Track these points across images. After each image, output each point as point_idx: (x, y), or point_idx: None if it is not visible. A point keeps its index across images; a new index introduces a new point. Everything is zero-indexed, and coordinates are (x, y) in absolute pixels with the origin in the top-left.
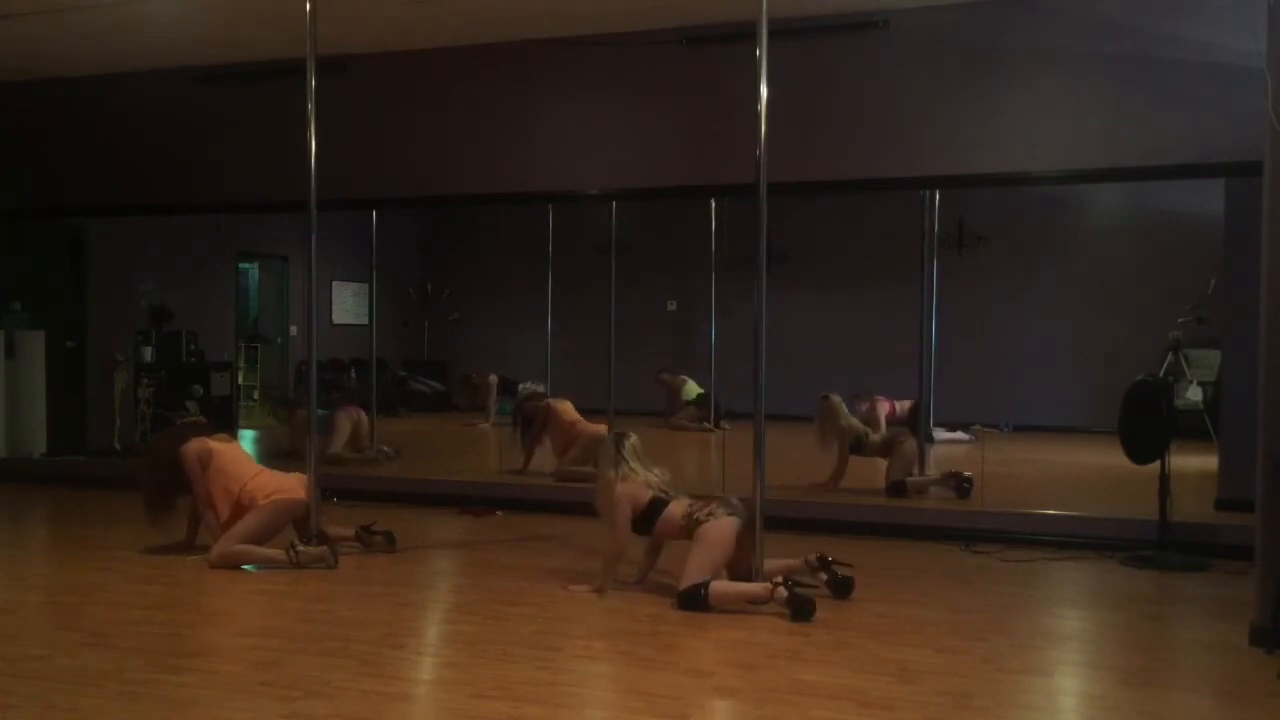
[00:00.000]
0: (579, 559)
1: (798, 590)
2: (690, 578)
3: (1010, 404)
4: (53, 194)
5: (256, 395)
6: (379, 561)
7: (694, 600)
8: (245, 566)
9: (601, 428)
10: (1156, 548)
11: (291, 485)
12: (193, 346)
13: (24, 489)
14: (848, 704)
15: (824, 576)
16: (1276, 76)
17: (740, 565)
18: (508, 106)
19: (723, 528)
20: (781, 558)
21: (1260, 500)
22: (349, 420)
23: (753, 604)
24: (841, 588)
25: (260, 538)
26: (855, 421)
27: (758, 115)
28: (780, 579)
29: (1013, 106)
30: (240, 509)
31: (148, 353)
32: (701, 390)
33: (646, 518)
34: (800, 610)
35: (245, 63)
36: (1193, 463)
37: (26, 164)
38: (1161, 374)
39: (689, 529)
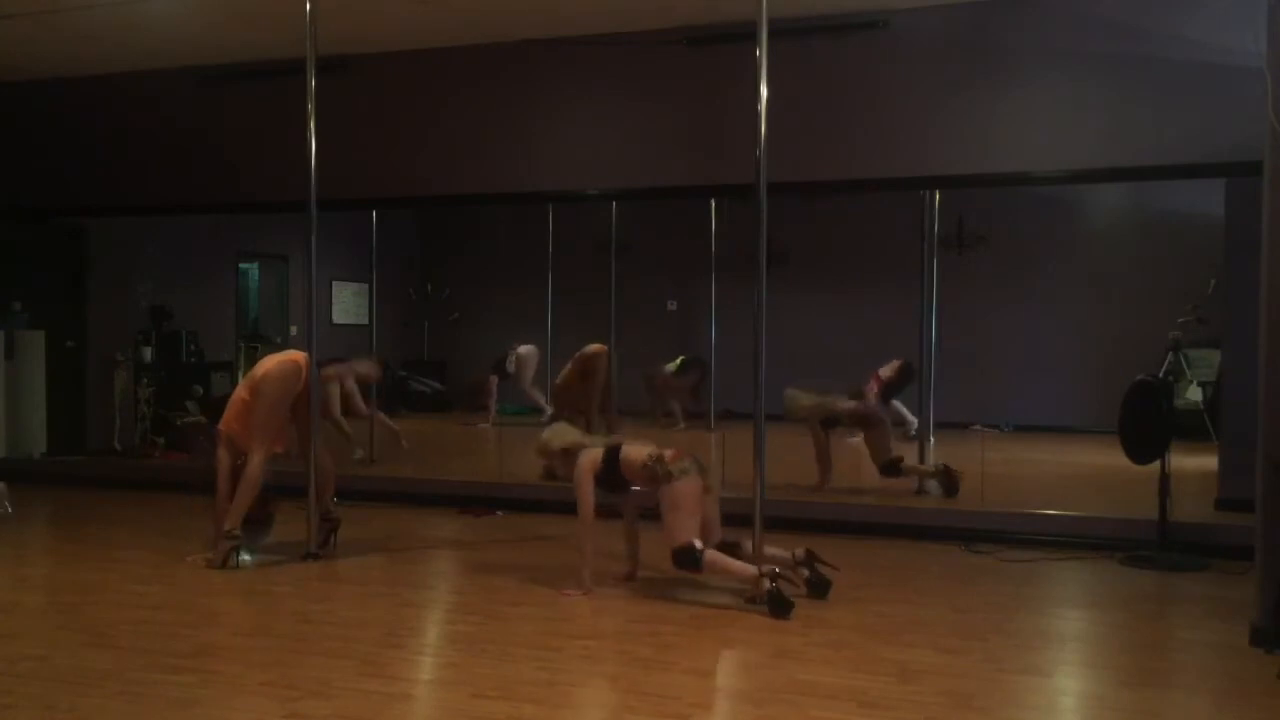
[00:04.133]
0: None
1: (779, 589)
2: (679, 537)
3: (1010, 404)
4: (53, 194)
5: None
6: (379, 561)
7: (690, 558)
8: (243, 557)
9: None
10: (1156, 548)
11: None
12: (193, 346)
13: (24, 489)
14: (848, 704)
15: (805, 573)
16: (1276, 76)
17: (705, 523)
18: (508, 106)
19: (689, 486)
20: (773, 547)
21: (1260, 500)
22: (334, 383)
23: (731, 580)
24: (817, 588)
25: (275, 421)
26: (817, 399)
27: (758, 115)
28: (768, 569)
29: (1013, 106)
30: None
31: (148, 353)
32: (683, 357)
33: (608, 470)
34: (778, 609)
35: (245, 63)
36: (1193, 463)
37: (26, 164)
38: (1161, 374)
39: (655, 474)
